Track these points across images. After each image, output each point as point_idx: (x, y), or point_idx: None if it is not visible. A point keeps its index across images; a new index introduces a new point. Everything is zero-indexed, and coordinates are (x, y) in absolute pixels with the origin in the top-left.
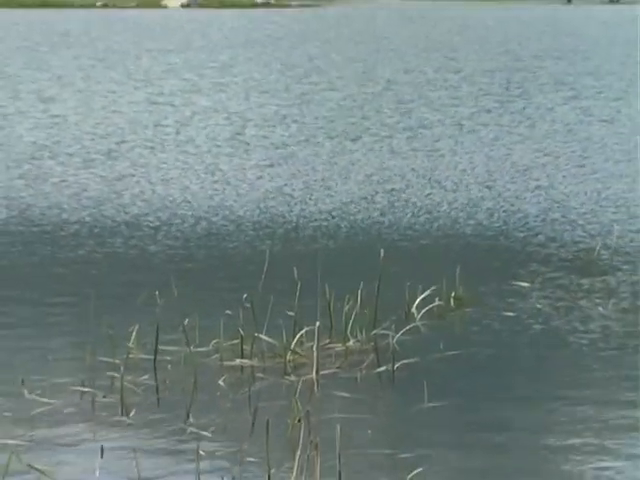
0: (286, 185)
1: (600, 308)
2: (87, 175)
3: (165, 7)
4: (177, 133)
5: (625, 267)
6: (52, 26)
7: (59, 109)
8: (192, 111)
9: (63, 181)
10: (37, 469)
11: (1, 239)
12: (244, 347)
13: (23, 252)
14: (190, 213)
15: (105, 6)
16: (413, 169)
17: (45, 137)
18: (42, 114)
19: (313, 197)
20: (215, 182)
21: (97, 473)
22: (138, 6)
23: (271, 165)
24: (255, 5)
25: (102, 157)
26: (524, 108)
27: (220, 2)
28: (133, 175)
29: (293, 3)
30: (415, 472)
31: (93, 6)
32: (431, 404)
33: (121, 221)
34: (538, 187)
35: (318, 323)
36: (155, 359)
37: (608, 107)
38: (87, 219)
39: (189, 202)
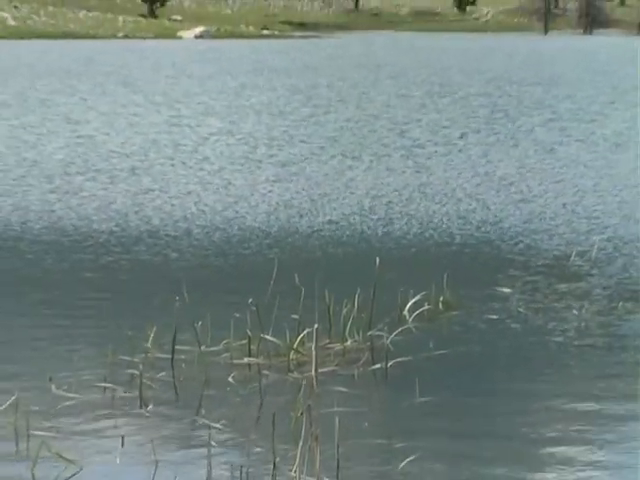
0: (293, 199)
1: (574, 311)
2: (113, 190)
3: (180, 38)
4: (194, 152)
5: (597, 273)
6: (77, 55)
7: (86, 130)
8: (207, 132)
9: (91, 195)
10: (64, 457)
11: (35, 247)
12: (251, 347)
13: (55, 259)
14: (205, 224)
15: (125, 37)
16: (407, 184)
17: (74, 155)
18: (71, 134)
19: (316, 210)
20: (228, 196)
21: (118, 460)
22: (156, 37)
23: (279, 181)
24: (261, 36)
25: (126, 173)
26: (508, 129)
27: (230, 33)
28: (154, 189)
29: (295, 34)
30: (407, 460)
31: (114, 37)
32: (422, 399)
33: (143, 231)
34: (520, 200)
35: (317, 325)
36: (172, 358)
37: (584, 128)
38: (113, 229)
39: (204, 214)
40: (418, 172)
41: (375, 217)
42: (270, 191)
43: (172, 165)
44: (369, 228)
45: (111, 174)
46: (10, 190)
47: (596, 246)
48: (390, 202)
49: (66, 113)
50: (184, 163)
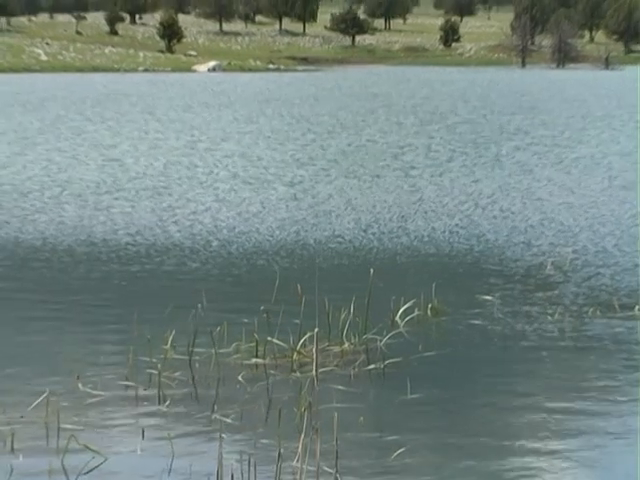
0: (298, 215)
1: (549, 316)
2: (138, 207)
3: (195, 71)
4: (210, 173)
5: (569, 282)
6: (103, 86)
7: (113, 154)
8: (221, 155)
9: (118, 212)
10: (90, 448)
11: (69, 258)
12: (259, 349)
13: (85, 269)
14: (219, 238)
15: (146, 70)
16: (401, 202)
17: (103, 176)
18: (99, 158)
19: (318, 225)
20: (240, 213)
21: (139, 451)
22: (173, 70)
23: (286, 199)
24: (268, 69)
25: (150, 192)
26: (491, 152)
27: (239, 67)
28: (174, 207)
29: (298, 68)
30: (399, 451)
31: (136, 70)
32: (413, 396)
33: (165, 244)
34: (501, 216)
35: (317, 329)
36: (190, 359)
37: (558, 152)
38: (138, 242)
39: (219, 229)
40: (411, 191)
41: (371, 232)
42: (278, 208)
43: (190, 185)
44: (365, 242)
45: (136, 193)
46: (45, 207)
47: (568, 257)
48: (385, 218)
49: (95, 139)
50: (201, 183)
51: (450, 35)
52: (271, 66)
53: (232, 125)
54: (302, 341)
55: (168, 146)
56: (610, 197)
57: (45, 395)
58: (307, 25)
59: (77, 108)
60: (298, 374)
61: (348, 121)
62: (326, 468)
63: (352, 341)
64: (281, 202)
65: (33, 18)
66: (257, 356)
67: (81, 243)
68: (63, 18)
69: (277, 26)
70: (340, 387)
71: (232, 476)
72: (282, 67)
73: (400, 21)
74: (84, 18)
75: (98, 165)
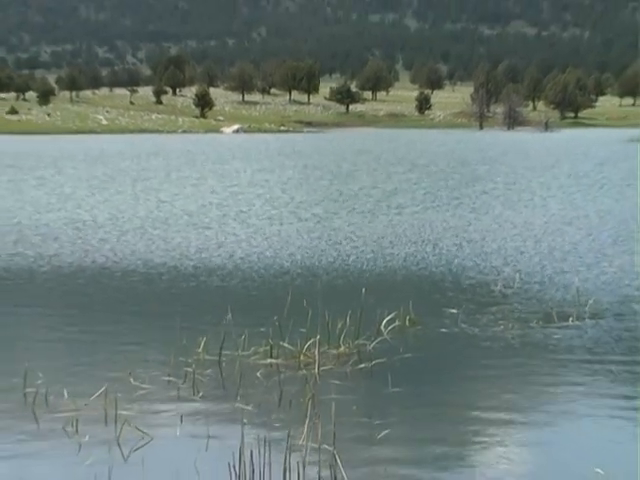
0: (309, 244)
1: (501, 325)
2: (180, 237)
3: (222, 132)
4: (240, 211)
5: (518, 297)
6: (151, 144)
7: (165, 196)
8: (249, 197)
9: (164, 241)
10: (140, 430)
11: (126, 278)
12: (273, 351)
13: (142, 287)
14: (243, 262)
15: (184, 132)
16: (387, 234)
17: (158, 213)
18: (154, 199)
19: (325, 252)
20: (259, 242)
21: (178, 432)
22: (205, 132)
23: (300, 232)
24: (280, 131)
25: (194, 226)
26: (460, 194)
27: (258, 129)
28: (212, 238)
29: (305, 130)
30: (384, 432)
31: (176, 132)
32: (394, 389)
33: (202, 267)
34: (465, 245)
35: (319, 336)
36: (219, 359)
37: (510, 195)
38: (183, 266)
39: (246, 255)
40: (397, 225)
41: (364, 257)
42: (293, 239)
43: (222, 221)
44: (359, 265)
45: (178, 227)
46: (111, 237)
47: (516, 278)
48: (376, 246)
49: (149, 184)
50: (234, 219)
51: (423, 104)
52: (282, 128)
53: (255, 174)
54: (307, 345)
55: (207, 190)
56: (550, 231)
57: (104, 388)
58: (311, 96)
59: (132, 161)
60: (304, 371)
61: (347, 171)
62: (326, 445)
63: (347, 345)
64: (296, 234)
65: (96, 91)
66: (271, 357)
67: (140, 266)
68: (120, 91)
69: (287, 97)
70: (337, 382)
71: (251, 452)
72: (291, 129)
73: (384, 93)
74: (136, 91)
75: (153, 205)
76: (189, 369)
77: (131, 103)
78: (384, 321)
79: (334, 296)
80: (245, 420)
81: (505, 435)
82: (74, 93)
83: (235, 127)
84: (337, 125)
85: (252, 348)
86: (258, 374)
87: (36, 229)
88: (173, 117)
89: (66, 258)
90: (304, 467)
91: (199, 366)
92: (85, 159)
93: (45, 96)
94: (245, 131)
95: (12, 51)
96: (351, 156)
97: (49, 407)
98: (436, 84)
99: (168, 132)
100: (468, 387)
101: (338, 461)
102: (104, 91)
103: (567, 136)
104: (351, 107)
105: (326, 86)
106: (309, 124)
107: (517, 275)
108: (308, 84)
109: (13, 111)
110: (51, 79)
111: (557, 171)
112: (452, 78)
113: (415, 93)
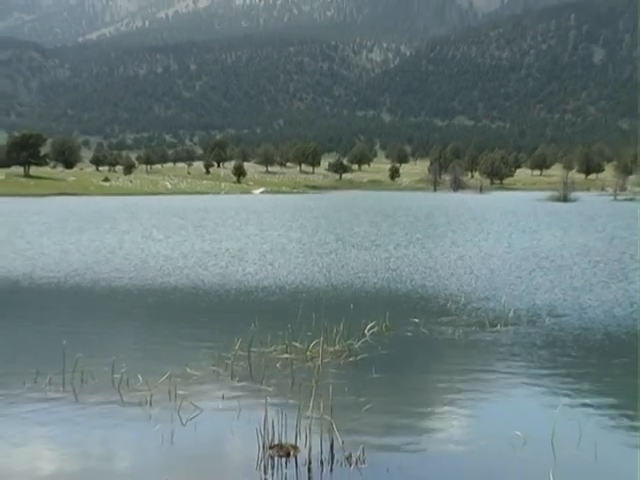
0: (311, 273)
1: (450, 330)
2: (202, 270)
3: (252, 193)
4: (266, 250)
5: (462, 310)
6: (202, 203)
7: (213, 237)
8: (271, 241)
9: (216, 271)
10: (193, 404)
11: (185, 297)
12: (288, 349)
13: (191, 303)
14: (262, 286)
15: (225, 193)
16: (376, 264)
17: (208, 251)
18: (205, 242)
19: (329, 278)
20: (279, 272)
21: (220, 407)
22: (240, 193)
23: (305, 264)
24: (293, 192)
25: (233, 260)
26: (424, 235)
27: (277, 191)
28: (247, 268)
29: (311, 192)
30: (367, 406)
31: (219, 193)
32: (376, 375)
33: (238, 288)
34: (429, 271)
35: (322, 338)
36: (249, 354)
37: (463, 235)
38: (222, 287)
39: (270, 280)
40: (383, 258)
41: (357, 282)
42: (296, 268)
43: (255, 255)
44: (352, 287)
45: (198, 262)
46: (174, 271)
47: (463, 295)
48: (366, 273)
49: (201, 232)
50: (262, 255)
51: (394, 173)
52: (295, 190)
53: (276, 221)
54: (312, 344)
55: (241, 235)
56: (484, 261)
57: (168, 374)
58: (315, 168)
59: (190, 215)
60: (310, 363)
61: (344, 220)
62: (326, 416)
63: (340, 344)
64: (299, 266)
65: (164, 165)
66: (287, 353)
67: (194, 287)
68: (180, 165)
69: (298, 168)
70: (334, 371)
71: (272, 420)
72: (301, 191)
73: (367, 166)
74: (192, 165)
75: (205, 245)
76: (228, 361)
77: (188, 173)
78: (367, 327)
79: (332, 309)
80: (268, 398)
81: (452, 409)
82: (149, 166)
83: (261, 189)
84: (334, 188)
85: (272, 346)
86: (277, 365)
87: (126, 260)
88: (217, 182)
89: (146, 281)
90: (310, 431)
91: (235, 359)
92: (154, 214)
93: (129, 168)
94: (268, 192)
95: (107, 138)
96: (345, 210)
97: (129, 388)
98: (403, 159)
99: (214, 193)
100: (427, 375)
101: (334, 427)
102: (169, 165)
103: (495, 196)
104: (343, 176)
105: (326, 161)
106: (314, 187)
107: (462, 294)
108: (313, 159)
109: (106, 179)
110: (133, 157)
111: (489, 220)
112: (414, 155)
113: (388, 166)
